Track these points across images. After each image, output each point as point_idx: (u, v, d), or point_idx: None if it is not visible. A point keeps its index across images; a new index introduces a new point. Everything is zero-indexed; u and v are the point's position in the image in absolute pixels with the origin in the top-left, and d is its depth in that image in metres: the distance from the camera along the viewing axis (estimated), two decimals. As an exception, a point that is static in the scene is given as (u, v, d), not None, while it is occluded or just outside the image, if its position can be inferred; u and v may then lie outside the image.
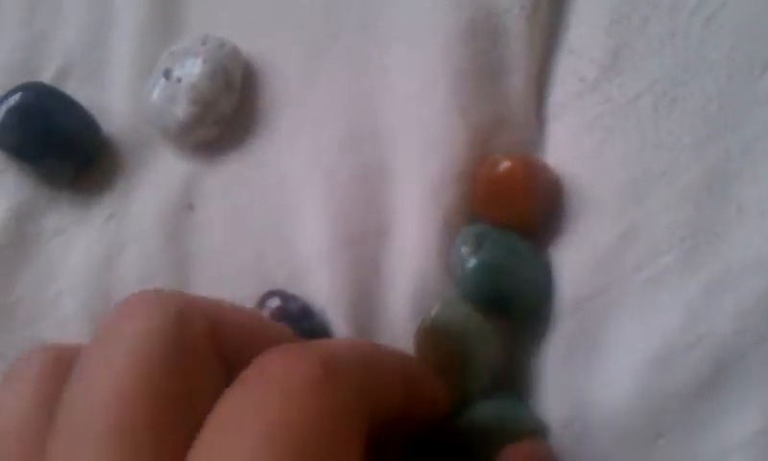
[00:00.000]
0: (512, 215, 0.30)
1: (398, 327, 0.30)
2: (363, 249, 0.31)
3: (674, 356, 0.27)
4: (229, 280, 0.32)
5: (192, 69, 0.32)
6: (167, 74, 0.32)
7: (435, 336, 0.29)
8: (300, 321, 0.30)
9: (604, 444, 0.28)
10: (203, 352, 0.20)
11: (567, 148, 0.31)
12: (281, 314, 0.30)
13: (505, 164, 0.30)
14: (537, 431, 0.28)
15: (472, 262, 0.29)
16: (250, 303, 0.31)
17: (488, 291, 0.29)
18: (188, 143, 0.33)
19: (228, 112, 0.33)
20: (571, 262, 0.30)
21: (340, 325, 0.30)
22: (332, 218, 0.31)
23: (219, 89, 0.32)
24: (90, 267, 0.33)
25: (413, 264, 0.30)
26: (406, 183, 0.31)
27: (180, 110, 0.32)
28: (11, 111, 0.33)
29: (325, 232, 0.31)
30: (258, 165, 0.33)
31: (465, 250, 0.29)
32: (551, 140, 0.32)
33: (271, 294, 0.31)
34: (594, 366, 0.28)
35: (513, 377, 0.30)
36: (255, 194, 0.32)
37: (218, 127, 0.33)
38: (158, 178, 0.33)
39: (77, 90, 0.34)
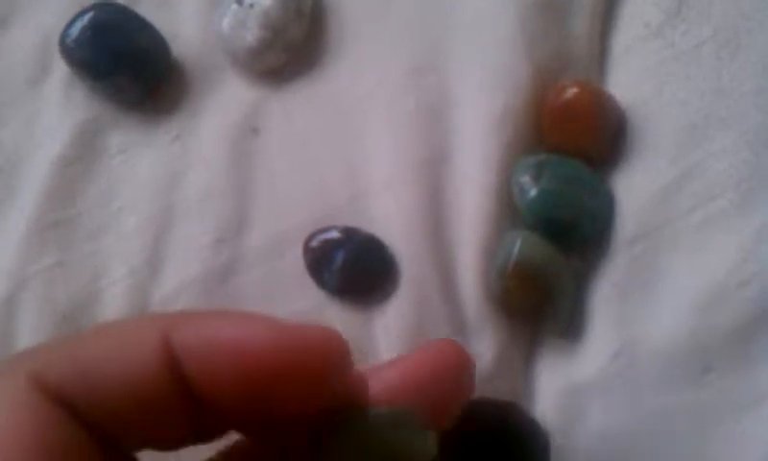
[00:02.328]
0: (578, 141, 0.31)
1: (463, 252, 0.31)
2: (426, 177, 0.31)
3: (725, 295, 0.28)
4: (291, 204, 0.32)
5: (264, -5, 0.33)
6: (239, 0, 0.33)
7: (525, 276, 0.29)
8: (365, 254, 0.31)
9: (651, 376, 0.29)
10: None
11: (628, 90, 0.31)
12: (343, 248, 0.31)
13: (573, 90, 0.30)
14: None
15: (533, 192, 0.29)
16: (309, 228, 0.31)
17: (549, 219, 0.29)
18: (256, 68, 0.34)
19: (298, 39, 0.33)
20: (629, 199, 0.30)
21: (404, 251, 0.31)
22: (397, 144, 0.32)
23: (290, 16, 0.33)
24: (153, 185, 0.33)
25: (474, 194, 0.31)
26: (470, 113, 0.32)
27: (251, 35, 0.33)
28: (84, 28, 0.33)
29: (390, 158, 0.32)
30: (324, 93, 0.34)
31: (525, 179, 0.30)
32: (612, 82, 0.32)
33: (329, 228, 0.31)
34: (646, 301, 0.29)
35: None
36: (320, 121, 0.33)
37: (287, 53, 0.33)
38: (225, 101, 0.34)
39: (148, 12, 0.34)
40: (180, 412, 0.18)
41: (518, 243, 0.29)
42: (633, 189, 0.30)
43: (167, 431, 0.19)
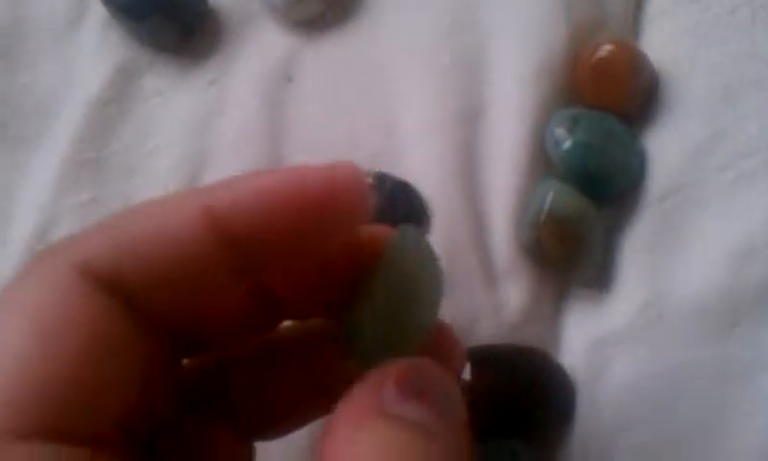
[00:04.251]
0: (612, 97, 0.31)
1: (495, 202, 0.31)
2: (459, 129, 0.32)
3: (755, 250, 0.28)
4: (323, 150, 0.33)
5: (303, -55, 0.33)
6: (279, -52, 0.34)
7: (557, 226, 0.29)
8: (397, 199, 0.31)
9: (678, 329, 0.29)
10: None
11: (662, 51, 0.32)
12: (376, 192, 0.31)
13: (608, 48, 0.31)
14: None
15: (567, 143, 0.30)
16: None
17: (582, 171, 0.30)
18: (292, 18, 0.34)
19: (335, -10, 0.34)
20: (662, 156, 0.31)
21: (436, 199, 0.31)
22: (430, 99, 0.32)
23: (328, -34, 0.33)
24: (187, 128, 0.34)
25: (508, 146, 0.31)
26: (504, 71, 0.32)
27: (289, -16, 0.33)
28: (122, -31, 0.34)
29: (423, 110, 0.32)
30: (358, 45, 0.34)
31: (560, 131, 0.30)
32: (647, 43, 0.33)
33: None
34: (676, 256, 0.30)
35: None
36: (353, 72, 0.34)
37: (323, 4, 0.34)
38: (260, 49, 0.34)
39: (187, -43, 0.35)
40: (228, 285, 0.18)
41: (551, 194, 0.29)
42: (665, 147, 0.31)
43: (219, 311, 0.19)
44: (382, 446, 0.17)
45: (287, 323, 0.22)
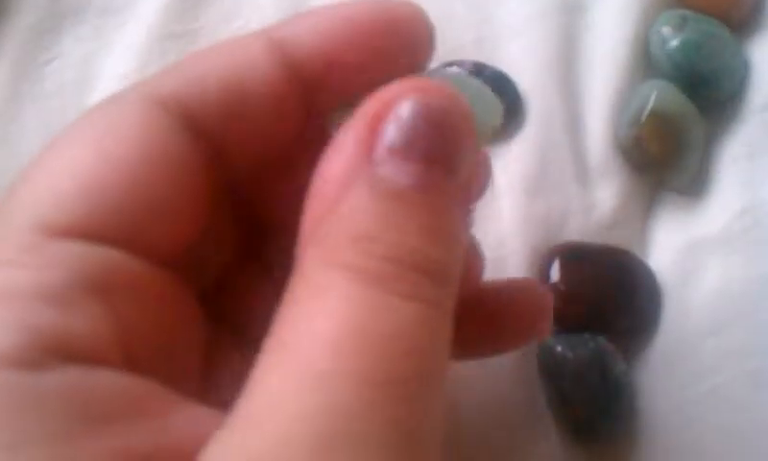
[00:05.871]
0: (717, 4, 0.30)
1: (593, 100, 0.30)
2: (561, 21, 0.31)
3: None
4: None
5: None
6: None
7: (659, 124, 0.29)
8: (496, 88, 0.30)
9: (773, 238, 0.28)
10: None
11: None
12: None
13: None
14: None
15: (675, 41, 0.29)
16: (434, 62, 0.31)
17: (688, 71, 0.29)
18: None
19: None
20: (764, 67, 0.30)
21: (533, 92, 0.30)
22: None
23: None
24: (278, 7, 0.33)
25: (609, 44, 0.31)
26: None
27: None
28: None
29: (522, 3, 0.32)
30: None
31: (667, 29, 0.29)
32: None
33: (459, 61, 0.31)
34: (775, 166, 0.29)
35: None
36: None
37: None
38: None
39: None
40: (290, 116, 0.18)
41: (656, 91, 0.29)
42: (770, 58, 0.30)
43: (276, 134, 0.19)
44: (370, 220, 0.14)
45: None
